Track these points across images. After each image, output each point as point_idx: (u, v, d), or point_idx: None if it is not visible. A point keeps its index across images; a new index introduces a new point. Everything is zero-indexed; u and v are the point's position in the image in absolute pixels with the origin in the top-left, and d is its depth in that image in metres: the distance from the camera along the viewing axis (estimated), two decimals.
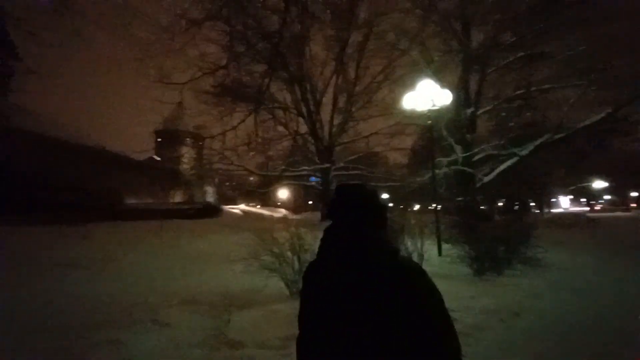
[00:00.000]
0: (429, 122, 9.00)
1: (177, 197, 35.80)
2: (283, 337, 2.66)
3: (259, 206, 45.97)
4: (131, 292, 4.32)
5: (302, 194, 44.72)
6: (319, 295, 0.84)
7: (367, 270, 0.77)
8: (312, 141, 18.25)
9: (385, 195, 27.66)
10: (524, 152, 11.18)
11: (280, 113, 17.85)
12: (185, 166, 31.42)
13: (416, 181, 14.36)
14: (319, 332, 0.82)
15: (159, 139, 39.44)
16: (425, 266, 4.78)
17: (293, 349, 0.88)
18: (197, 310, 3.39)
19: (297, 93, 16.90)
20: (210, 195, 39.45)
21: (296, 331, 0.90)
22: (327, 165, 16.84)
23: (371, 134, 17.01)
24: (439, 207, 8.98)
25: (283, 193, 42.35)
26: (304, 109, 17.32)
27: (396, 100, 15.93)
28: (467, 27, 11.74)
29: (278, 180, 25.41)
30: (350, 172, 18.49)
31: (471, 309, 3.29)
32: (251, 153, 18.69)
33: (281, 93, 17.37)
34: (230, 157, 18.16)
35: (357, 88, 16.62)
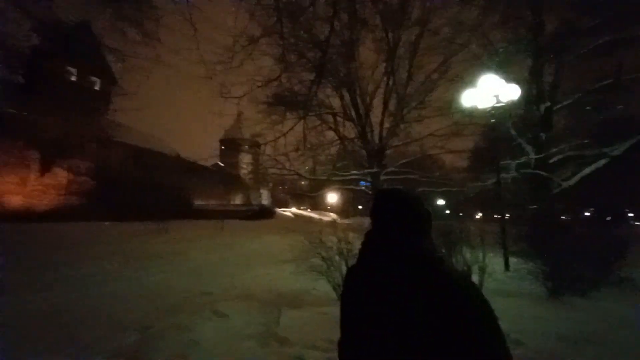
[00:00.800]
0: (493, 120, 8.17)
1: (237, 200, 39.01)
2: (329, 340, 2.70)
3: (309, 209, 47.23)
4: (197, 283, 4.86)
5: (352, 198, 44.39)
6: (358, 301, 0.86)
7: (406, 278, 0.77)
8: (362, 145, 18.09)
9: (440, 202, 25.84)
10: (616, 152, 9.33)
11: (329, 118, 18.12)
12: (243, 171, 34.09)
13: (478, 186, 13.07)
14: (358, 337, 0.83)
15: (223, 147, 43.66)
16: (488, 281, 4.33)
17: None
18: (252, 305, 3.64)
19: (346, 98, 16.98)
20: (265, 198, 42.02)
21: None
22: (377, 169, 16.48)
23: (425, 136, 16.08)
24: (507, 215, 8.04)
25: (332, 197, 42.65)
26: (353, 113, 17.30)
27: (453, 98, 14.87)
28: (539, 11, 10.39)
29: (327, 184, 25.75)
30: (402, 176, 17.79)
31: (541, 333, 2.87)
32: (302, 158, 19.30)
33: (330, 98, 17.64)
34: (282, 162, 19.04)
35: (410, 89, 15.96)
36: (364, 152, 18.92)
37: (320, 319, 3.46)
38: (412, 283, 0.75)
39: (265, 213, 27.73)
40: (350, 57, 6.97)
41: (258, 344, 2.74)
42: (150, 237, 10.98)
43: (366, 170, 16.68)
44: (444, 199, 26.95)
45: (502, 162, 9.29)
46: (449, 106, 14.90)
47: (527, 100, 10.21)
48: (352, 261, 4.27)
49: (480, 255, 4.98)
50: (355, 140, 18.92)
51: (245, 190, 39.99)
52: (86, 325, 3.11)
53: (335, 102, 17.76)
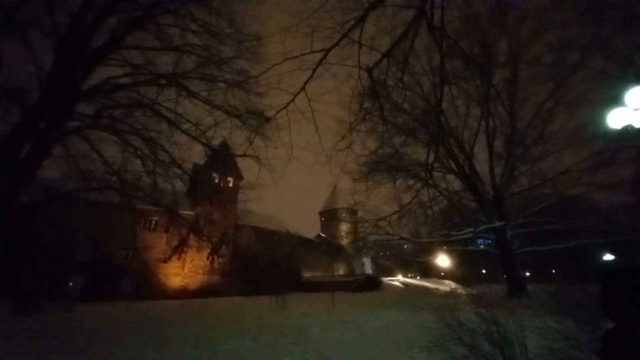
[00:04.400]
0: None
1: (341, 270, 38.71)
2: None
3: (418, 277, 41.98)
4: None
5: (470, 261, 37.74)
6: None
7: None
8: (473, 198, 16.04)
9: (608, 257, 18.96)
10: None
11: (425, 175, 17.30)
12: (344, 240, 34.54)
13: None
14: None
15: (323, 218, 46.51)
16: None
17: None
18: None
19: (441, 150, 16.20)
20: (368, 267, 40.24)
21: None
22: (500, 223, 13.87)
23: (556, 175, 13.07)
24: None
25: (444, 261, 37.28)
26: (453, 165, 16.09)
27: (585, 124, 12.17)
28: None
29: (436, 247, 22.98)
30: (537, 228, 14.28)
31: None
32: (403, 221, 18.29)
33: (422, 152, 17.13)
34: (382, 227, 18.49)
35: (518, 125, 14.08)
36: (474, 204, 16.63)
37: None
38: None
39: (372, 283, 26.10)
40: (438, 115, 6.92)
41: None
42: (273, 311, 11.68)
43: (485, 227, 14.24)
44: (612, 252, 20.10)
45: None
46: (581, 134, 12.19)
47: None
48: (513, 350, 3.33)
49: None
50: (461, 193, 17.05)
51: (348, 260, 39.63)
52: None
53: (430, 157, 17.10)
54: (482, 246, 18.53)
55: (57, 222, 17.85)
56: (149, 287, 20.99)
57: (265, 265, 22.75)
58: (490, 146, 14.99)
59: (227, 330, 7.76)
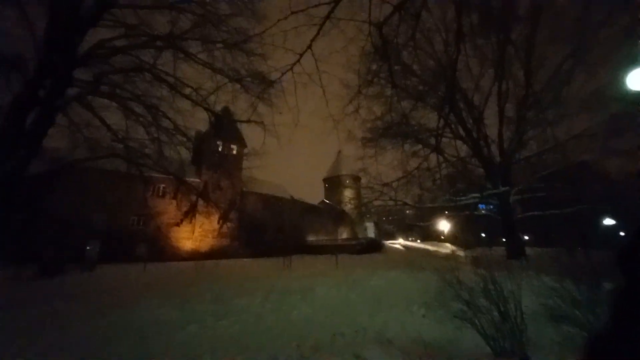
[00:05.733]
0: None
1: (344, 234, 40.11)
2: None
3: (419, 241, 43.39)
4: (329, 322, 5.01)
5: (470, 225, 38.57)
6: None
7: None
8: (478, 163, 15.91)
9: (609, 221, 19.20)
10: None
11: (431, 140, 17.00)
12: (348, 206, 35.21)
13: None
14: None
15: (327, 185, 47.06)
16: None
17: None
18: (392, 353, 3.43)
19: (449, 115, 15.72)
20: (370, 231, 41.55)
21: None
22: (505, 188, 13.91)
23: (569, 139, 12.74)
24: None
25: (445, 225, 38.12)
26: (461, 131, 15.73)
27: (604, 86, 11.57)
28: None
29: (438, 212, 23.35)
30: (541, 193, 14.33)
31: None
32: (407, 186, 18.39)
33: (430, 118, 16.70)
34: (386, 193, 18.67)
35: (533, 88, 13.43)
36: (481, 170, 16.55)
37: None
38: None
39: (374, 246, 27.15)
40: (452, 77, 6.58)
41: None
42: (281, 272, 12.39)
43: (489, 192, 14.33)
44: (614, 217, 20.35)
45: None
46: (598, 97, 11.65)
47: None
48: (509, 306, 3.54)
49: None
50: (467, 159, 16.89)
51: (351, 225, 40.83)
52: (257, 356, 3.61)
53: (435, 121, 16.66)
54: (483, 211, 18.77)
55: (72, 192, 18.38)
56: (162, 250, 22.18)
57: (271, 230, 23.70)
58: (501, 110, 14.47)
59: (239, 289, 8.32)
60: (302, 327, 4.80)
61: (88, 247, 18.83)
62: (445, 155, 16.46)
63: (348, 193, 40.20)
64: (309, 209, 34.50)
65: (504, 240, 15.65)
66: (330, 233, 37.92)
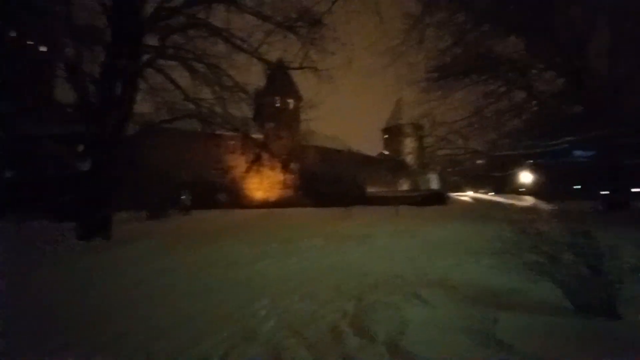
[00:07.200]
0: None
1: (404, 186, 39.03)
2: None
3: (492, 193, 39.53)
4: (389, 265, 5.16)
5: (560, 175, 33.10)
6: None
7: None
8: (575, 100, 12.86)
9: None
10: None
11: (512, 76, 14.08)
12: (409, 156, 33.49)
13: None
14: None
15: (386, 136, 44.95)
16: None
17: None
18: (455, 297, 3.39)
19: (541, 40, 12.53)
20: (434, 182, 39.34)
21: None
22: (610, 130, 11.14)
23: None
24: None
25: (526, 176, 33.35)
26: (553, 59, 12.57)
27: None
28: None
29: (519, 160, 20.45)
30: None
31: None
32: (478, 132, 16.26)
33: (514, 45, 13.58)
34: (454, 141, 16.95)
35: None
36: (576, 108, 13.40)
37: (552, 331, 2.70)
38: None
39: (438, 198, 25.87)
40: None
41: (474, 343, 2.48)
42: (340, 221, 13.02)
43: (591, 134, 11.66)
44: None
45: None
46: None
47: None
48: (601, 261, 3.05)
49: None
50: (561, 95, 13.70)
51: (412, 176, 39.21)
52: (317, 288, 4.03)
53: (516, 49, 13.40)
54: (579, 158, 15.78)
55: (161, 151, 21.69)
56: (238, 199, 25.50)
57: (330, 182, 24.50)
58: (616, 25, 10.86)
59: (304, 233, 9.11)
60: (361, 267, 5.08)
61: (183, 196, 22.75)
62: (532, 91, 13.65)
63: (409, 143, 37.79)
64: (367, 161, 34.06)
65: (603, 192, 13.10)
66: (390, 185, 37.31)
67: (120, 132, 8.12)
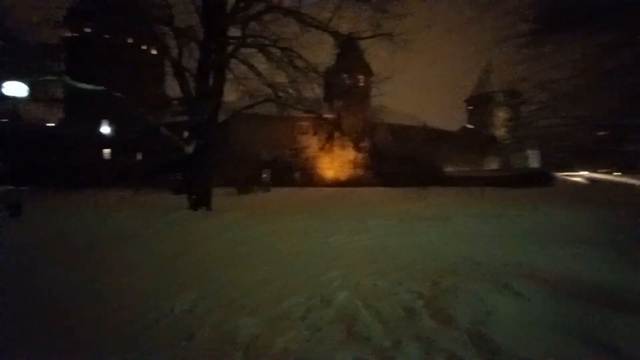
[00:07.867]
0: None
1: (493, 164, 34.06)
2: None
3: (616, 173, 31.10)
4: (469, 250, 4.74)
5: None
6: None
7: None
8: None
9: None
10: None
11: None
12: (500, 130, 28.77)
13: None
14: None
15: (470, 107, 39.44)
16: None
17: None
18: (552, 291, 2.93)
19: None
20: (534, 160, 33.11)
21: None
22: None
23: None
24: None
25: None
26: None
27: None
28: None
29: None
30: None
31: None
32: (594, 96, 12.62)
33: None
34: (559, 109, 13.69)
35: None
36: None
37: None
38: None
39: (539, 179, 21.82)
40: None
41: (572, 342, 2.16)
42: (412, 201, 12.45)
43: None
44: None
45: None
46: None
47: None
48: None
49: None
50: None
51: (502, 153, 33.82)
52: (387, 267, 4.04)
53: None
54: None
55: (243, 135, 24.25)
56: (311, 177, 27.05)
57: (403, 160, 23.27)
58: None
59: (374, 211, 9.09)
60: (437, 250, 4.83)
61: (264, 175, 25.47)
62: None
63: (500, 113, 32.35)
64: (445, 137, 30.84)
65: None
66: (474, 163, 33.16)
67: (214, 120, 9.40)
